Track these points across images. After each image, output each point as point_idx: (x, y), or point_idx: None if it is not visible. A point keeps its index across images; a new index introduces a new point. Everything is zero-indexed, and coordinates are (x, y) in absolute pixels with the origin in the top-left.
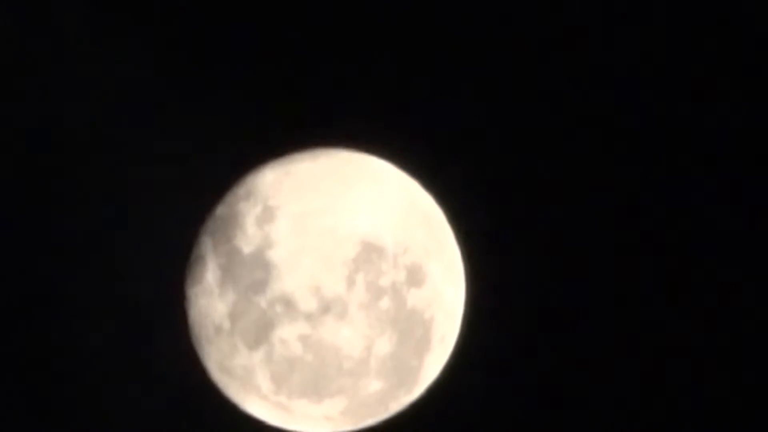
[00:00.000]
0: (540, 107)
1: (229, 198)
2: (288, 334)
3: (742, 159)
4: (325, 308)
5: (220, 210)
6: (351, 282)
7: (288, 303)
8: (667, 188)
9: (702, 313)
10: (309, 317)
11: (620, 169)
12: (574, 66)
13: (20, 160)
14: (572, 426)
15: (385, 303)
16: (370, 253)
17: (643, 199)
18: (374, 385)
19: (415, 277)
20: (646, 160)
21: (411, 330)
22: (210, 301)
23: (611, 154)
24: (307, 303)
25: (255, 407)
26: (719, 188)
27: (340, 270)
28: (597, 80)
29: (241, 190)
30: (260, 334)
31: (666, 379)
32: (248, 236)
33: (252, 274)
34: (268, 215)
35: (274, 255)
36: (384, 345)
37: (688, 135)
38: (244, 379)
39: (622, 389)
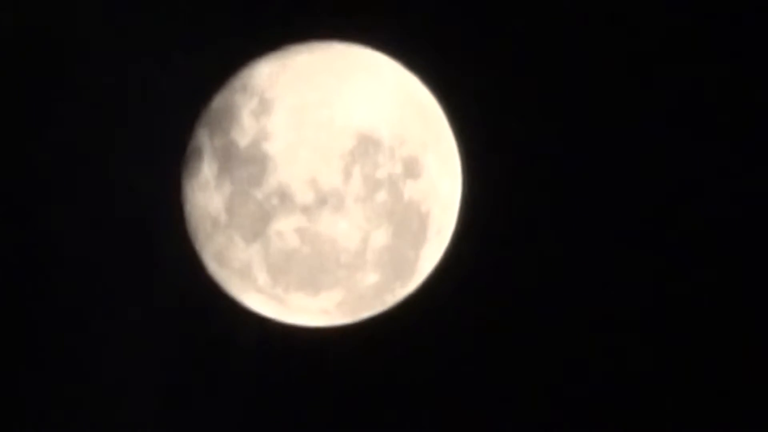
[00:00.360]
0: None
1: (225, 91)
2: (285, 226)
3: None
4: (322, 201)
5: (216, 102)
6: (347, 174)
7: (284, 196)
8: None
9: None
10: (306, 210)
11: (622, 63)
12: None
13: (15, 53)
14: (568, 318)
15: (382, 196)
16: (366, 146)
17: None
18: (371, 278)
19: (411, 169)
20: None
21: (407, 222)
22: (206, 195)
23: (615, 47)
24: (303, 196)
25: (252, 300)
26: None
27: (337, 162)
28: None
29: (237, 82)
30: (257, 227)
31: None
32: (244, 129)
33: (248, 167)
34: (264, 108)
35: (271, 147)
36: (380, 238)
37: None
38: (240, 272)
39: (622, 283)
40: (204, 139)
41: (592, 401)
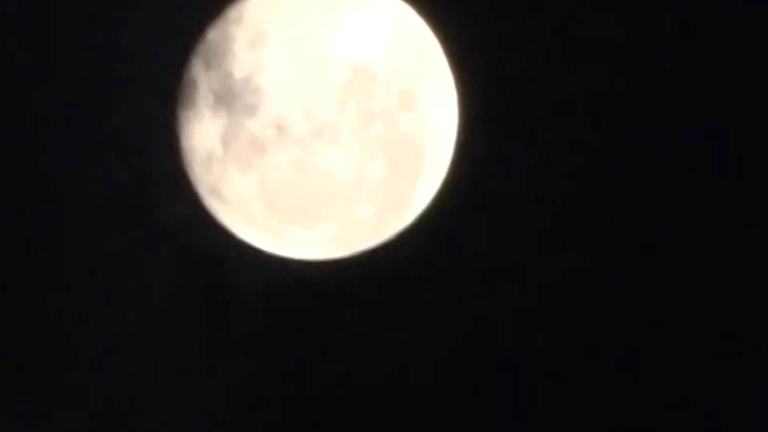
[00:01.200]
0: None
1: (221, 22)
2: (280, 158)
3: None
4: (317, 132)
5: (212, 34)
6: (342, 106)
7: (280, 127)
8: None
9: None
10: (301, 141)
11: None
12: None
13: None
14: (562, 255)
15: (377, 127)
16: (361, 78)
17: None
18: (366, 210)
19: (407, 101)
20: None
21: (403, 155)
22: (202, 126)
23: None
24: (298, 127)
25: (247, 232)
26: None
27: (332, 94)
28: None
29: (232, 13)
30: (252, 158)
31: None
32: (239, 60)
33: (244, 98)
34: (259, 39)
35: (266, 79)
36: (376, 170)
37: None
38: (235, 203)
39: (619, 226)
40: (199, 70)
41: (577, 351)
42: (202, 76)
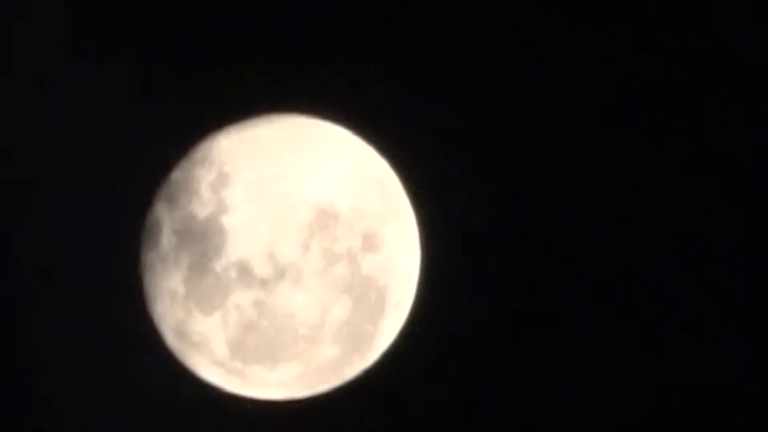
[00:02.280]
0: (495, 71)
1: (185, 163)
2: (243, 299)
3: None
4: (280, 274)
5: (175, 175)
6: (306, 248)
7: (243, 269)
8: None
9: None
10: (264, 283)
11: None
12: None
13: None
14: (526, 391)
15: (341, 269)
16: (325, 219)
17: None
18: (329, 351)
19: (370, 243)
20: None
21: (366, 296)
22: (165, 267)
23: (578, 120)
24: (262, 269)
25: (210, 373)
26: None
27: (296, 236)
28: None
29: (196, 155)
30: (215, 299)
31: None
32: (203, 201)
33: (207, 240)
34: (223, 181)
35: (229, 221)
36: (339, 311)
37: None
38: (199, 344)
39: (585, 337)
40: (163, 211)
41: None
42: (165, 217)
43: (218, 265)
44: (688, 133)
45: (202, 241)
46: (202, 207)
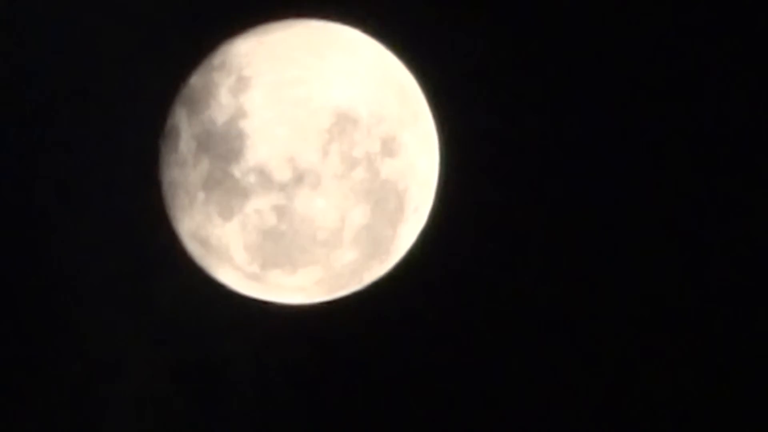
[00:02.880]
0: None
1: (203, 68)
2: (262, 204)
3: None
4: (299, 178)
5: (194, 80)
6: (325, 152)
7: (262, 173)
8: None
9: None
10: (283, 188)
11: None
12: None
13: None
14: (542, 301)
15: (359, 173)
16: (344, 124)
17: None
18: (348, 256)
19: (389, 147)
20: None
21: (385, 200)
22: (184, 171)
23: (596, 29)
24: (281, 173)
25: (229, 277)
26: None
27: (315, 140)
28: None
29: (215, 60)
30: (234, 204)
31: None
32: (222, 106)
33: (226, 144)
34: (241, 85)
35: (248, 125)
36: (358, 216)
37: None
38: (218, 249)
39: (597, 271)
40: (182, 116)
41: (563, 383)
42: (184, 122)
43: (237, 170)
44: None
45: (221, 145)
46: (220, 111)
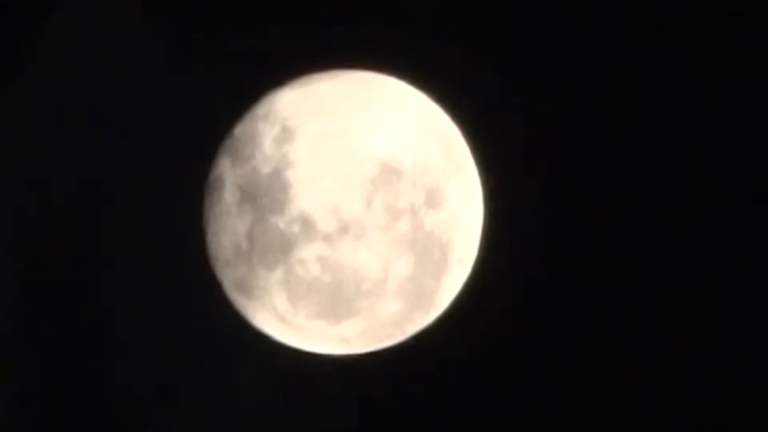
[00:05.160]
0: (568, 28)
1: (248, 118)
2: (306, 254)
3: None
4: (344, 229)
5: (239, 130)
6: (369, 203)
7: (306, 223)
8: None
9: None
10: (327, 238)
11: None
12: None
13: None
14: (589, 348)
15: (404, 225)
16: (388, 175)
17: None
18: (391, 307)
19: (433, 198)
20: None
21: (429, 252)
22: (228, 222)
23: (641, 74)
24: (325, 224)
25: (272, 328)
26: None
27: (359, 191)
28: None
29: (259, 110)
30: (278, 254)
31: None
32: (266, 156)
33: (270, 195)
34: (286, 135)
35: (293, 175)
36: (402, 267)
37: None
38: (262, 299)
39: (650, 314)
40: (226, 166)
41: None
42: (228, 172)
43: (281, 221)
44: None
45: (265, 195)
46: (265, 161)
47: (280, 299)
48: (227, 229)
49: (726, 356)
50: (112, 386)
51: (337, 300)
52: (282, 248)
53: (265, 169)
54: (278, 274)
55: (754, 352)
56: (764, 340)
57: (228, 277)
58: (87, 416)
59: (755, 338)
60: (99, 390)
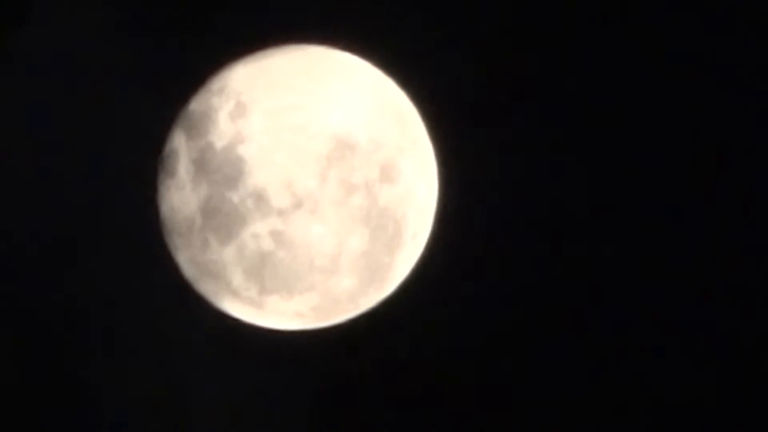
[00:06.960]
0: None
1: (202, 93)
2: (260, 229)
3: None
4: (298, 204)
5: (193, 105)
6: (323, 178)
7: (260, 198)
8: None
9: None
10: (281, 213)
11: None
12: None
13: None
14: (544, 321)
15: (358, 200)
16: (343, 150)
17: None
18: (346, 282)
19: (387, 174)
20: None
21: (383, 227)
22: (182, 196)
23: (599, 47)
24: (279, 198)
25: (226, 303)
26: None
27: (313, 166)
28: None
29: (214, 85)
30: (232, 229)
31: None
32: (221, 131)
33: (224, 169)
34: (240, 110)
35: (247, 150)
36: (356, 242)
37: None
38: (215, 274)
39: (603, 285)
40: (181, 141)
41: (577, 401)
42: (183, 146)
43: (235, 195)
44: None
45: (219, 170)
46: (219, 136)
47: (234, 274)
48: (182, 203)
49: (716, 354)
50: (70, 369)
51: (291, 275)
52: (236, 223)
53: (220, 144)
54: (232, 249)
55: (754, 351)
56: (764, 340)
57: (182, 252)
58: (45, 402)
59: (756, 338)
60: (59, 373)
